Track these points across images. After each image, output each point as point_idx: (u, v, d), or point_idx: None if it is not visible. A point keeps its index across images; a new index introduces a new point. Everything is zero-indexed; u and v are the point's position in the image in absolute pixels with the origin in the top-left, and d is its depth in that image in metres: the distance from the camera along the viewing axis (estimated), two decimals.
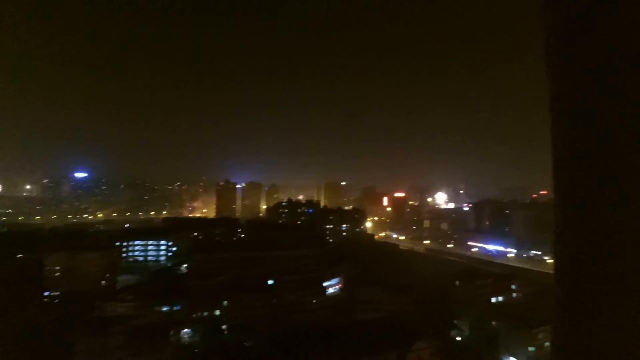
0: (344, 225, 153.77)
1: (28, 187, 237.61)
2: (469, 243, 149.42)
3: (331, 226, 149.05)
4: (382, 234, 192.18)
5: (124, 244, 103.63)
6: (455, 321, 62.74)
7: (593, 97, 1.20)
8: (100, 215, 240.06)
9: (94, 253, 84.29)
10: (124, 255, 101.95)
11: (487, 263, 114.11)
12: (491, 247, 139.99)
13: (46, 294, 64.99)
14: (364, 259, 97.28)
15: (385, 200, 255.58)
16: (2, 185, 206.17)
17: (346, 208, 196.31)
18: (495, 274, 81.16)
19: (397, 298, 62.39)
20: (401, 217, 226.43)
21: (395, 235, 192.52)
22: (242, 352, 47.87)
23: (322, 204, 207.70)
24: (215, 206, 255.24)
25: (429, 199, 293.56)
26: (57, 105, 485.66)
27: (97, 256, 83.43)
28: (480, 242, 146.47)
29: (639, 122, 1.07)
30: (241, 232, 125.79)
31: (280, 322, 57.70)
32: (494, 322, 57.78)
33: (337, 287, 77.30)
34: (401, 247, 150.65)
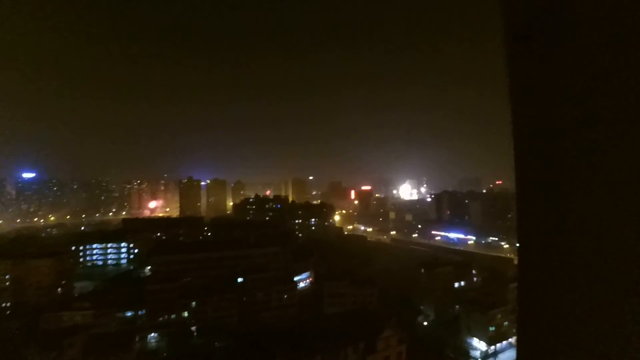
0: (313, 220, 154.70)
1: None
2: (432, 232, 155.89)
3: (300, 221, 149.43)
4: (350, 227, 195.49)
5: (80, 248, 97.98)
6: (420, 307, 65.55)
7: (553, 92, 1.31)
8: (52, 218, 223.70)
9: (46, 260, 78.46)
10: (81, 260, 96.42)
11: (449, 251, 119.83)
12: (452, 236, 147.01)
13: None
14: (333, 253, 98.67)
15: (352, 194, 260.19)
16: None
17: (314, 203, 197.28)
18: (457, 261, 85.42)
19: (364, 290, 64.00)
20: (368, 209, 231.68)
21: (362, 228, 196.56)
22: (212, 353, 47.06)
23: (289, 199, 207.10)
24: (178, 205, 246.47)
25: (394, 192, 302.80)
26: None
27: (49, 263, 77.68)
28: (442, 231, 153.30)
29: (599, 114, 1.16)
30: (207, 231, 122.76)
31: (249, 321, 57.34)
32: (456, 306, 61.12)
33: (306, 282, 77.91)
34: (369, 239, 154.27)
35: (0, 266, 71.44)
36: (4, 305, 63.25)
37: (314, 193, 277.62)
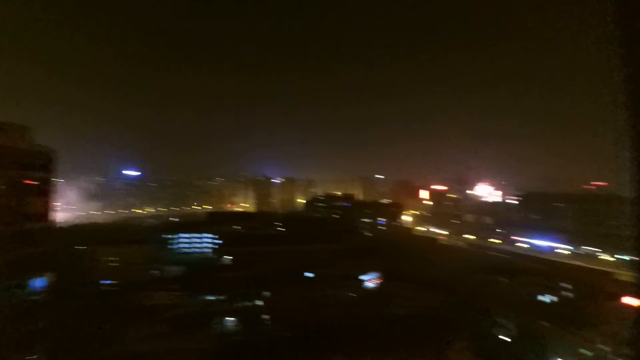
0: (381, 219, 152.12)
1: (85, 184, 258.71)
2: (515, 238, 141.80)
3: (368, 220, 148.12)
4: (421, 228, 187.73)
5: (170, 236, 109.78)
6: (498, 320, 60.06)
7: None
8: (149, 209, 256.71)
9: (144, 245, 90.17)
10: (171, 247, 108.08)
11: (535, 259, 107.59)
12: (539, 243, 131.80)
13: (102, 282, 70.52)
14: (401, 253, 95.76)
15: (423, 193, 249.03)
16: (65, 182, 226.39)
17: (383, 201, 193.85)
18: (543, 270, 76.47)
19: (434, 294, 60.82)
20: (441, 210, 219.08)
21: (434, 230, 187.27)
22: (281, 342, 49.11)
23: (358, 197, 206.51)
24: (253, 200, 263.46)
25: (471, 191, 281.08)
26: (111, 106, 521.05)
27: (147, 248, 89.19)
28: (527, 237, 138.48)
29: None
30: (279, 226, 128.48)
31: (315, 315, 58.41)
32: (541, 322, 54.69)
33: (372, 281, 76.83)
34: (441, 242, 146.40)
35: (111, 249, 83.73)
36: (111, 282, 73.82)
37: (382, 192, 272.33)
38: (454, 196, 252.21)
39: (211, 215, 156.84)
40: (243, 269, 72.34)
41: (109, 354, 40.10)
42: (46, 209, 36.47)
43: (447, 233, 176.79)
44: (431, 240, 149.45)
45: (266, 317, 60.75)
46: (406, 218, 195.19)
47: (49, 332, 30.28)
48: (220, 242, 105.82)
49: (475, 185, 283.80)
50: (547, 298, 64.51)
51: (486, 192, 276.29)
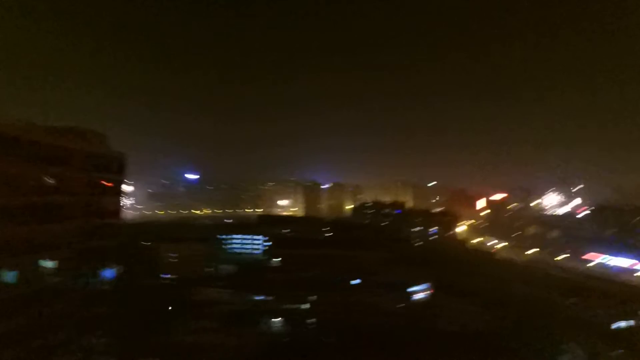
0: (432, 229, 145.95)
1: (150, 186, 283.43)
2: (586, 255, 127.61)
3: (418, 229, 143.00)
4: (476, 240, 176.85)
5: (224, 236, 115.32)
6: (565, 345, 54.19)
7: None
8: (206, 210, 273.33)
9: (201, 243, 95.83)
10: (225, 246, 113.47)
11: (608, 280, 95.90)
12: (614, 262, 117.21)
13: (163, 276, 76.01)
14: (454, 266, 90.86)
15: (480, 203, 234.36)
16: (134, 185, 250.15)
17: (435, 210, 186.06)
18: (618, 293, 67.84)
19: (491, 312, 56.66)
20: (500, 221, 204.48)
21: (491, 243, 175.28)
22: (325, 347, 49.01)
23: (408, 205, 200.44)
24: (302, 205, 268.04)
25: (535, 202, 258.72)
26: (175, 115, 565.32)
27: (203, 246, 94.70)
28: (600, 255, 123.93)
29: None
30: (327, 231, 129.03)
31: (362, 323, 57.40)
32: (618, 350, 48.35)
33: (421, 293, 73.75)
34: (499, 256, 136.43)
35: (171, 245, 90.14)
36: (170, 276, 79.27)
37: (434, 200, 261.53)
38: (515, 206, 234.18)
39: (262, 218, 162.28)
40: (291, 271, 73.69)
41: (163, 343, 43.08)
42: (117, 207, 40.17)
43: (506, 246, 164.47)
44: (488, 253, 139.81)
45: (312, 320, 61.07)
46: (460, 228, 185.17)
47: (113, 318, 33.37)
48: (270, 244, 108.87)
49: (539, 195, 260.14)
50: (622, 324, 57.03)
51: (552, 202, 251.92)
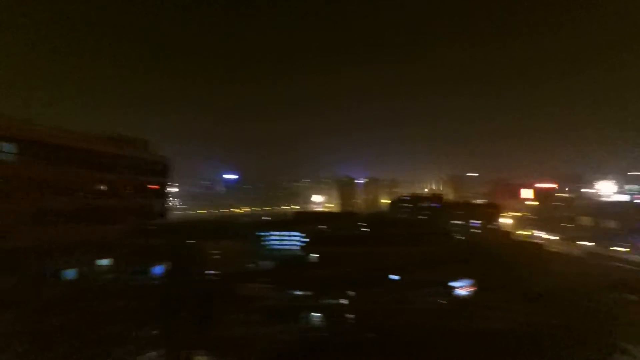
0: (474, 221, 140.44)
1: (192, 187, 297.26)
2: None
3: (459, 222, 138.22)
4: (523, 232, 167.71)
5: (263, 233, 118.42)
6: (626, 347, 50.00)
7: None
8: (245, 209, 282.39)
9: (242, 240, 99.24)
10: (264, 243, 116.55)
11: None
12: None
13: (207, 272, 79.56)
14: (498, 261, 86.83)
15: (526, 193, 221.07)
16: (178, 186, 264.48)
17: (477, 202, 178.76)
18: None
19: (541, 309, 53.45)
20: (548, 212, 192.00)
21: (540, 234, 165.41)
22: (365, 344, 48.97)
23: (447, 197, 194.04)
24: (338, 201, 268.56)
25: (588, 190, 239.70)
26: (215, 119, 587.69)
27: (243, 243, 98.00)
28: None
29: None
30: (363, 226, 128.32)
31: (402, 320, 56.66)
32: None
33: (464, 289, 71.37)
34: (548, 249, 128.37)
35: (213, 243, 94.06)
36: (213, 272, 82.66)
37: (475, 191, 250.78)
38: (565, 195, 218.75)
39: (298, 214, 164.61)
40: (328, 267, 74.10)
41: (208, 335, 45.28)
42: (163, 208, 42.57)
43: (557, 238, 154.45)
44: (536, 246, 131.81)
45: (350, 316, 61.21)
46: (505, 220, 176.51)
47: (163, 312, 35.67)
48: (307, 240, 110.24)
49: (593, 182, 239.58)
50: None
51: (608, 190, 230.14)
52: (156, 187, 38.96)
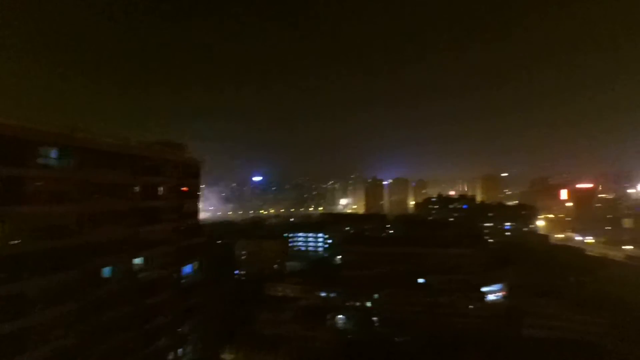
0: (508, 224, 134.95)
1: (222, 189, 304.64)
2: None
3: (491, 224, 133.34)
4: (561, 235, 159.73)
5: (290, 235, 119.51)
6: None
7: None
8: (272, 210, 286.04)
9: (269, 242, 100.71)
10: (290, 244, 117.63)
11: None
12: None
13: (235, 272, 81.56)
14: (536, 265, 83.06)
15: (563, 194, 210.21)
16: (208, 189, 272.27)
17: (509, 204, 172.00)
18: None
19: (584, 316, 50.63)
20: (588, 214, 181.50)
21: (579, 238, 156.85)
22: (393, 346, 48.39)
23: (478, 199, 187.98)
24: (364, 202, 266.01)
25: (631, 190, 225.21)
26: (244, 126, 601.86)
27: (271, 244, 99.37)
28: None
29: None
30: (390, 228, 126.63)
31: (433, 323, 55.48)
32: None
33: (498, 294, 68.81)
34: (588, 253, 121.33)
35: (241, 244, 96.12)
36: (242, 272, 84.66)
37: (508, 192, 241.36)
38: (606, 196, 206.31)
39: (324, 216, 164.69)
40: (354, 269, 73.73)
41: (244, 333, 46.41)
42: (196, 209, 43.97)
43: (597, 241, 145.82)
44: (575, 250, 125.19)
45: (375, 319, 60.68)
46: (540, 222, 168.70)
47: (200, 308, 37.06)
48: (332, 242, 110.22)
49: (636, 182, 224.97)
50: None
51: None
52: (190, 189, 40.28)
